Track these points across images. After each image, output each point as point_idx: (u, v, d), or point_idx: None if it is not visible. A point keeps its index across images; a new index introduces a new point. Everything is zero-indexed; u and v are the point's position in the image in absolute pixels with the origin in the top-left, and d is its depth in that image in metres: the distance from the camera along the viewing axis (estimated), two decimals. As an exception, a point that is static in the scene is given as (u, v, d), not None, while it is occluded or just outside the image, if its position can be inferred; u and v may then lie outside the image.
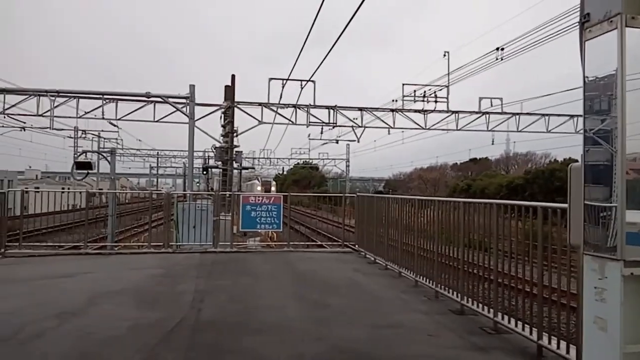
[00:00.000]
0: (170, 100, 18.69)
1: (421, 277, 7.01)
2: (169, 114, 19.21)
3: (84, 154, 22.88)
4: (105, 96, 18.65)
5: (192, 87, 18.58)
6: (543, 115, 23.34)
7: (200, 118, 19.18)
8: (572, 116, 23.40)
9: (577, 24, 2.36)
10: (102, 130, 33.34)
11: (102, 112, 19.01)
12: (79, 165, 18.14)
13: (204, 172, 31.56)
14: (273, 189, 45.69)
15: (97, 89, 18.90)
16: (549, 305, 4.30)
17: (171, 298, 6.27)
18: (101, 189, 29.63)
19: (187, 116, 18.45)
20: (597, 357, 2.16)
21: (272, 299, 6.37)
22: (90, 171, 18.27)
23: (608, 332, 2.04)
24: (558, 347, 4.05)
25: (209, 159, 35.29)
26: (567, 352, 3.92)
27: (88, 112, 19.25)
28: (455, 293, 5.94)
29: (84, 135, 32.89)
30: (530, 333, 4.43)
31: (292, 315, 5.47)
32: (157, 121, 19.36)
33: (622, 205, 2.03)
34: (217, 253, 10.22)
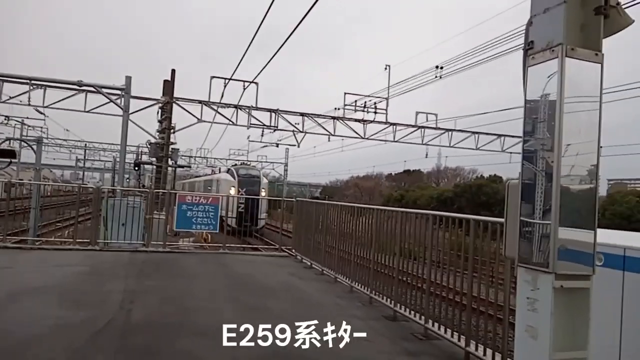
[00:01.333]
0: (104, 90, 17.84)
1: (356, 283, 7.13)
2: (102, 105, 18.34)
3: (8, 142, 21.40)
4: (32, 81, 17.53)
5: (128, 78, 17.81)
6: (473, 133, 24.52)
7: (135, 111, 18.49)
8: (499, 135, 24.77)
9: (520, 48, 2.53)
10: (27, 117, 31.30)
11: (29, 98, 17.87)
12: (1, 153, 16.91)
13: (136, 168, 30.31)
14: (263, 192, 31.77)
15: (25, 73, 17.65)
16: (477, 314, 4.52)
17: (98, 297, 5.97)
18: (21, 180, 27.73)
19: (122, 109, 17.70)
20: (527, 364, 2.30)
21: (207, 301, 6.23)
22: (13, 160, 17.09)
23: (538, 340, 2.18)
24: (484, 354, 4.26)
25: (141, 154, 34.02)
26: (493, 358, 4.14)
27: (13, 97, 18.04)
28: (388, 299, 6.10)
29: (6, 122, 30.67)
30: (459, 340, 4.64)
31: (228, 319, 5.37)
32: (88, 111, 18.41)
33: (556, 221, 2.18)
34: (148, 252, 9.86)
